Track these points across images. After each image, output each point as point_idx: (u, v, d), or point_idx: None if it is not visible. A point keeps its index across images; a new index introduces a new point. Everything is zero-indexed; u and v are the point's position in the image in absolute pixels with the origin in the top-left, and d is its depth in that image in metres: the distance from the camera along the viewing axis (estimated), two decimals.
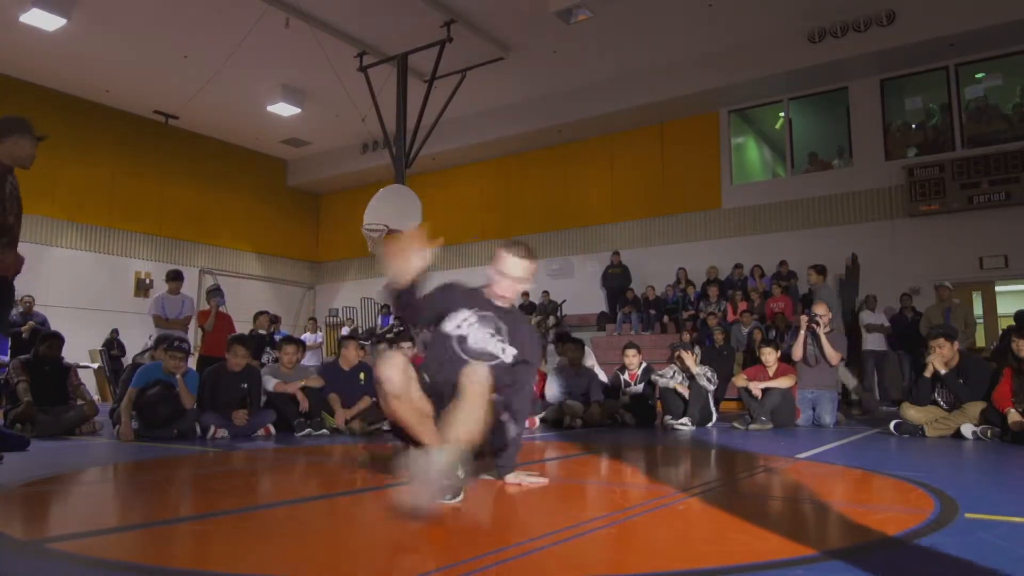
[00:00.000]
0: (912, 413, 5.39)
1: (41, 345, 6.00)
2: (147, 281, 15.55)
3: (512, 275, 2.89)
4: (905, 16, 11.23)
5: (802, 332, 6.77)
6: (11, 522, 2.33)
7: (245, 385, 5.73)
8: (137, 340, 12.25)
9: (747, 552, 1.77)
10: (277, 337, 8.42)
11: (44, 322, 10.10)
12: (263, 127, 16.28)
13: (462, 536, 2.10)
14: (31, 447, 4.36)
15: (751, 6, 11.42)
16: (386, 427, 6.10)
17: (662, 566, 1.64)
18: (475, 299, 2.95)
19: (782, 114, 13.68)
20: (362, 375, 6.31)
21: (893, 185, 12.03)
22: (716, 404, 6.79)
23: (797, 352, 6.75)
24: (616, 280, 13.84)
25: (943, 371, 5.30)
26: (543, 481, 2.80)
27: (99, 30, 12.03)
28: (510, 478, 2.79)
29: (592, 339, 12.84)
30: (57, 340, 6.07)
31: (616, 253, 14.03)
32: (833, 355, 6.60)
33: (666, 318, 12.64)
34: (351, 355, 6.34)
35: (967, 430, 4.96)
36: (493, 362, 2.71)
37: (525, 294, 14.33)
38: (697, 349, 6.99)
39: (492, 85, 13.87)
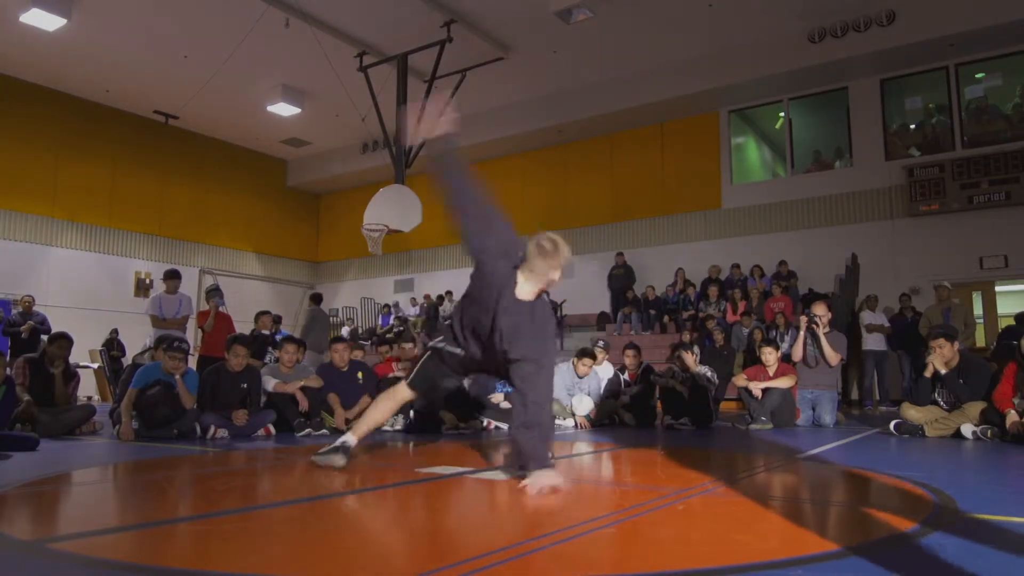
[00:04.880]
0: (912, 413, 5.39)
1: (50, 345, 6.01)
2: (147, 281, 15.55)
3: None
4: (905, 16, 11.22)
5: (801, 332, 6.77)
6: (11, 522, 2.33)
7: (245, 385, 5.73)
8: (137, 340, 12.25)
9: (747, 552, 1.77)
10: (278, 337, 8.41)
11: (44, 322, 10.10)
12: (263, 127, 16.27)
13: (462, 536, 2.10)
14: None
15: (751, 6, 11.42)
16: (387, 427, 6.11)
17: (662, 566, 1.64)
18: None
19: (782, 114, 13.67)
20: (360, 374, 6.31)
21: (893, 185, 12.03)
22: (716, 404, 6.79)
23: (797, 353, 6.75)
24: (619, 280, 13.84)
25: (943, 371, 5.30)
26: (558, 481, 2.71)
27: (99, 30, 12.03)
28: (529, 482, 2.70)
29: (592, 339, 12.83)
30: (66, 341, 6.07)
31: (620, 254, 14.03)
32: (832, 356, 6.60)
33: (666, 318, 12.64)
34: (344, 356, 6.32)
35: (967, 430, 4.96)
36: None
37: None
38: (697, 349, 6.99)
39: (492, 85, 13.87)
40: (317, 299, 10.39)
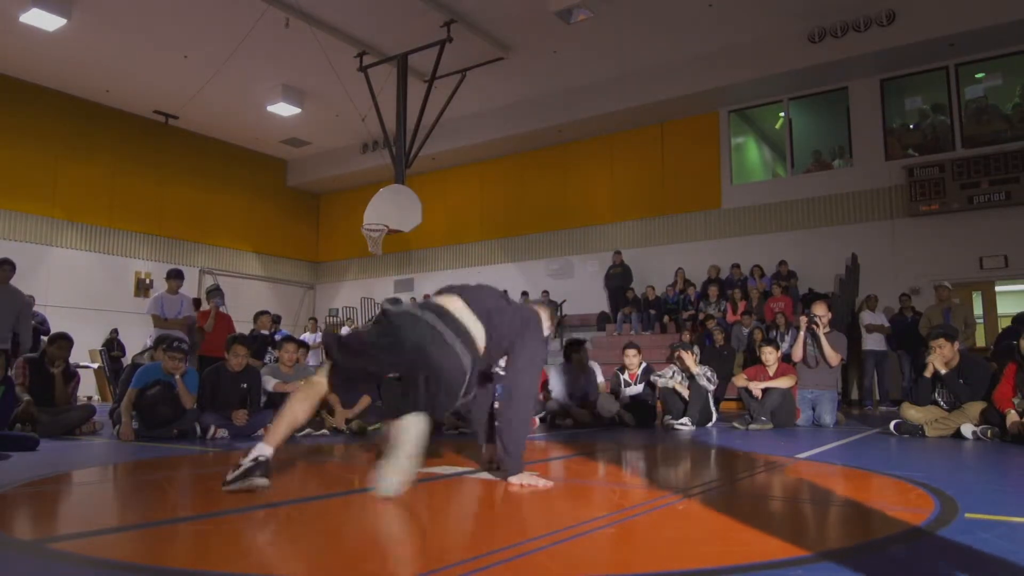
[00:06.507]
0: (912, 413, 5.39)
1: (50, 345, 6.02)
2: (147, 281, 15.55)
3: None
4: (905, 16, 11.22)
5: (801, 333, 6.76)
6: (11, 522, 2.33)
7: (245, 385, 5.74)
8: (137, 340, 12.25)
9: (747, 552, 1.77)
10: (278, 337, 8.42)
11: (44, 322, 10.09)
12: (263, 127, 16.27)
13: (462, 536, 2.10)
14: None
15: (751, 6, 11.42)
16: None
17: (662, 566, 1.64)
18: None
19: (782, 114, 13.67)
20: None
21: (893, 185, 12.03)
22: (716, 404, 6.79)
23: (797, 353, 6.75)
24: (617, 280, 13.84)
25: (943, 371, 5.29)
26: (547, 484, 2.78)
27: (99, 30, 12.02)
28: (514, 479, 2.79)
29: (592, 339, 12.83)
30: (66, 342, 6.07)
31: (618, 253, 14.03)
32: (833, 356, 6.59)
33: (666, 318, 12.65)
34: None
35: (967, 430, 4.96)
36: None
37: (524, 293, 14.34)
38: (697, 349, 6.99)
39: (492, 85, 13.87)
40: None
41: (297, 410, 2.70)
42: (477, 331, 2.72)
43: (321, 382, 2.75)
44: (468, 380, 2.66)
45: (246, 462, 2.56)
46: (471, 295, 2.86)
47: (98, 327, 13.50)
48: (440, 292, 2.93)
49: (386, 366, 2.82)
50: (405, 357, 2.63)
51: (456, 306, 2.76)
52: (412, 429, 2.46)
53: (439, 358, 2.58)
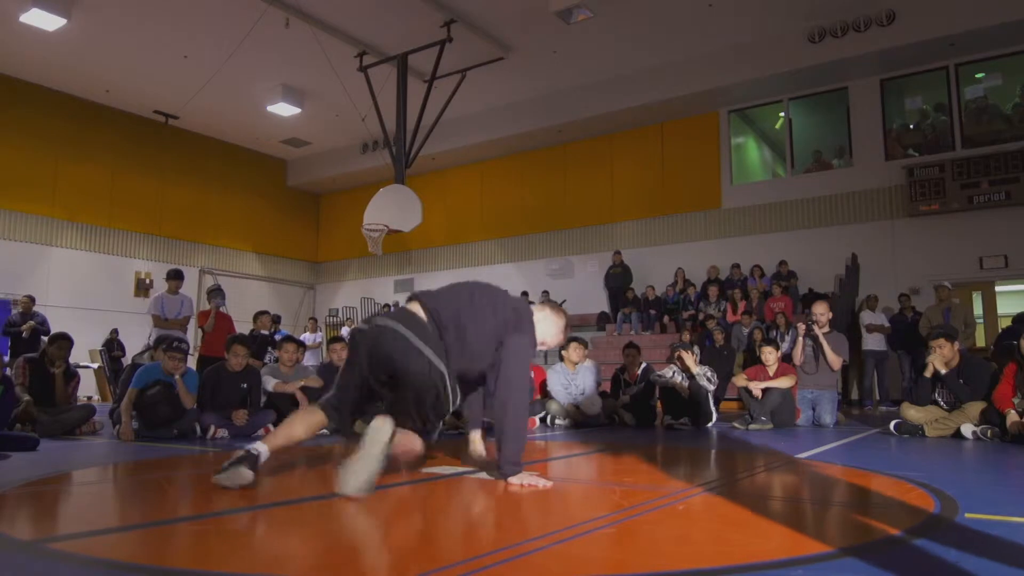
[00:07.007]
0: (912, 413, 5.39)
1: (50, 345, 6.01)
2: (147, 281, 15.55)
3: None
4: (905, 16, 11.23)
5: (800, 339, 6.73)
6: (11, 522, 2.33)
7: (245, 385, 5.74)
8: (137, 340, 12.25)
9: (747, 552, 1.77)
10: (278, 337, 8.42)
11: (44, 322, 10.10)
12: (263, 127, 16.27)
13: (462, 536, 2.10)
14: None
15: (751, 6, 11.42)
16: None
17: (662, 566, 1.64)
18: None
19: (782, 114, 13.67)
20: None
21: (893, 185, 12.03)
22: (716, 404, 6.79)
23: (797, 357, 6.73)
24: (617, 280, 13.85)
25: (943, 371, 5.30)
26: (547, 484, 2.78)
27: (99, 30, 12.03)
28: (513, 479, 2.79)
29: (592, 339, 12.84)
30: (66, 342, 6.07)
31: (618, 252, 14.04)
32: (835, 359, 6.55)
33: (666, 318, 12.65)
34: (343, 356, 6.32)
35: (967, 430, 4.96)
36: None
37: (524, 293, 14.34)
38: (697, 349, 6.99)
39: (492, 85, 13.87)
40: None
41: (298, 432, 2.84)
42: (442, 341, 2.75)
43: (322, 416, 2.88)
44: (449, 386, 2.71)
45: (238, 454, 2.67)
46: (437, 301, 2.87)
47: (98, 327, 13.49)
48: (409, 299, 2.96)
49: (372, 381, 2.83)
50: (380, 367, 2.72)
51: (419, 312, 2.80)
52: (381, 431, 2.55)
53: (407, 363, 2.65)
